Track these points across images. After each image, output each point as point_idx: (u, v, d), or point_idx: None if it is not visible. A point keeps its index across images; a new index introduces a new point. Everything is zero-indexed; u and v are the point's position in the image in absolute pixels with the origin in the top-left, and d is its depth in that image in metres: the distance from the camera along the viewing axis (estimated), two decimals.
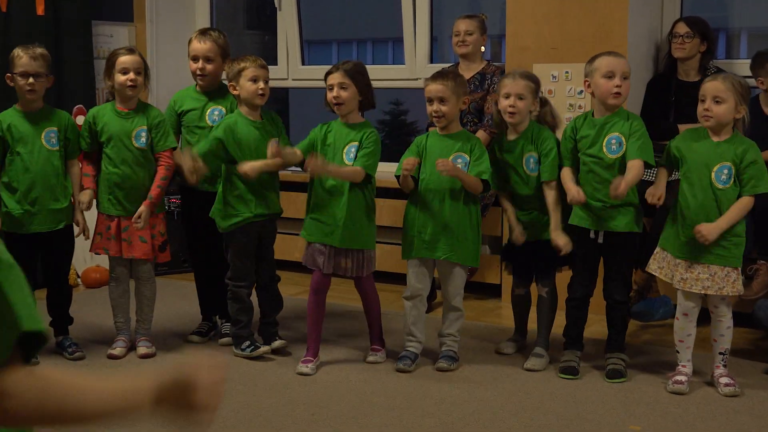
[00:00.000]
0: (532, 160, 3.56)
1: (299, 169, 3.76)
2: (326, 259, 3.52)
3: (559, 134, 3.62)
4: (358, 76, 3.52)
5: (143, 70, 3.72)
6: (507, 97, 3.53)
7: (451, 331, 3.62)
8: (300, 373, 3.53)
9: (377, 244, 3.74)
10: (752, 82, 3.92)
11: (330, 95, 3.52)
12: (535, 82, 3.57)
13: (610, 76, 3.38)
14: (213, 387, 1.17)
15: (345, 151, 3.56)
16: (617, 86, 3.36)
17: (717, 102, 3.23)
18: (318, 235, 3.54)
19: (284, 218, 4.03)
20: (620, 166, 3.39)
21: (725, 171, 3.23)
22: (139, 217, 3.68)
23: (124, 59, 3.68)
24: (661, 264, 3.39)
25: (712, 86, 3.25)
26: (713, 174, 3.24)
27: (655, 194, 3.34)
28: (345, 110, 3.54)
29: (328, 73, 3.54)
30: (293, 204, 5.32)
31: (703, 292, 3.27)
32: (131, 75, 3.67)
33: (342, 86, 3.49)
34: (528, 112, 3.56)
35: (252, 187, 3.63)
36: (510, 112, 3.54)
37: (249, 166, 3.54)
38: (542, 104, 3.62)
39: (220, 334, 4.00)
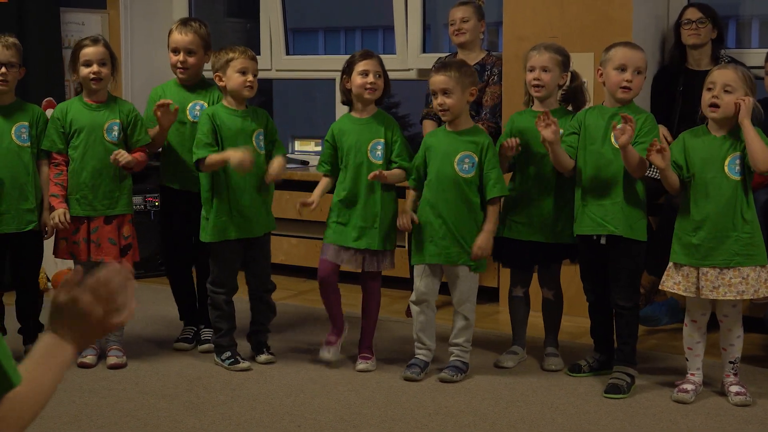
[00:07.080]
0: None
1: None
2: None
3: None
4: (384, 68, 3.70)
5: (109, 61, 3.75)
6: (531, 70, 3.61)
7: (458, 341, 3.65)
8: (321, 359, 3.74)
9: None
10: (759, 72, 3.94)
11: (363, 80, 3.63)
12: (563, 54, 3.63)
13: (622, 68, 3.41)
14: (97, 290, 1.39)
15: (370, 148, 3.66)
16: (627, 81, 3.40)
17: (727, 92, 3.25)
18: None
19: None
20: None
21: (737, 162, 3.28)
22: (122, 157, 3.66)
23: (87, 51, 3.71)
24: (676, 279, 3.36)
25: (722, 74, 3.27)
26: (726, 167, 3.28)
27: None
28: (375, 98, 3.69)
29: (353, 62, 3.65)
30: (277, 203, 5.33)
31: (738, 297, 3.27)
32: (94, 67, 3.70)
33: (378, 74, 3.66)
34: (556, 85, 3.63)
35: (241, 209, 3.69)
36: (535, 86, 3.61)
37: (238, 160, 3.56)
38: (572, 79, 3.68)
39: (200, 340, 4.04)
